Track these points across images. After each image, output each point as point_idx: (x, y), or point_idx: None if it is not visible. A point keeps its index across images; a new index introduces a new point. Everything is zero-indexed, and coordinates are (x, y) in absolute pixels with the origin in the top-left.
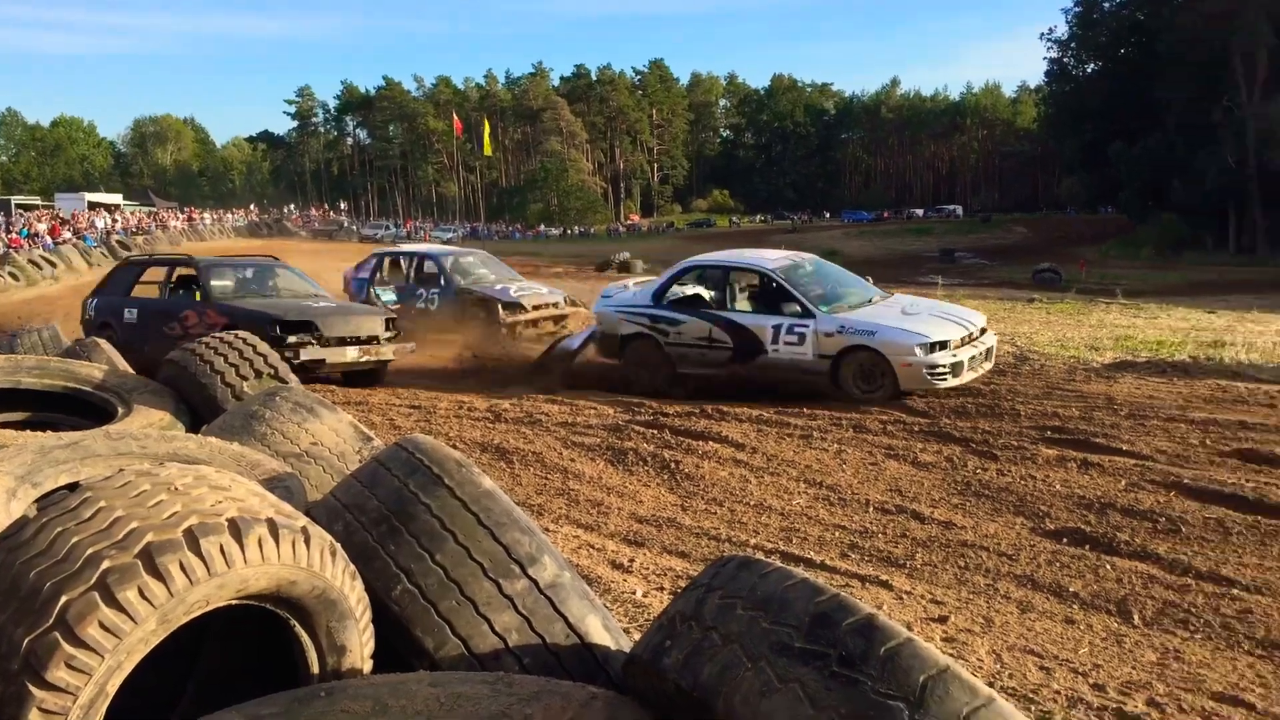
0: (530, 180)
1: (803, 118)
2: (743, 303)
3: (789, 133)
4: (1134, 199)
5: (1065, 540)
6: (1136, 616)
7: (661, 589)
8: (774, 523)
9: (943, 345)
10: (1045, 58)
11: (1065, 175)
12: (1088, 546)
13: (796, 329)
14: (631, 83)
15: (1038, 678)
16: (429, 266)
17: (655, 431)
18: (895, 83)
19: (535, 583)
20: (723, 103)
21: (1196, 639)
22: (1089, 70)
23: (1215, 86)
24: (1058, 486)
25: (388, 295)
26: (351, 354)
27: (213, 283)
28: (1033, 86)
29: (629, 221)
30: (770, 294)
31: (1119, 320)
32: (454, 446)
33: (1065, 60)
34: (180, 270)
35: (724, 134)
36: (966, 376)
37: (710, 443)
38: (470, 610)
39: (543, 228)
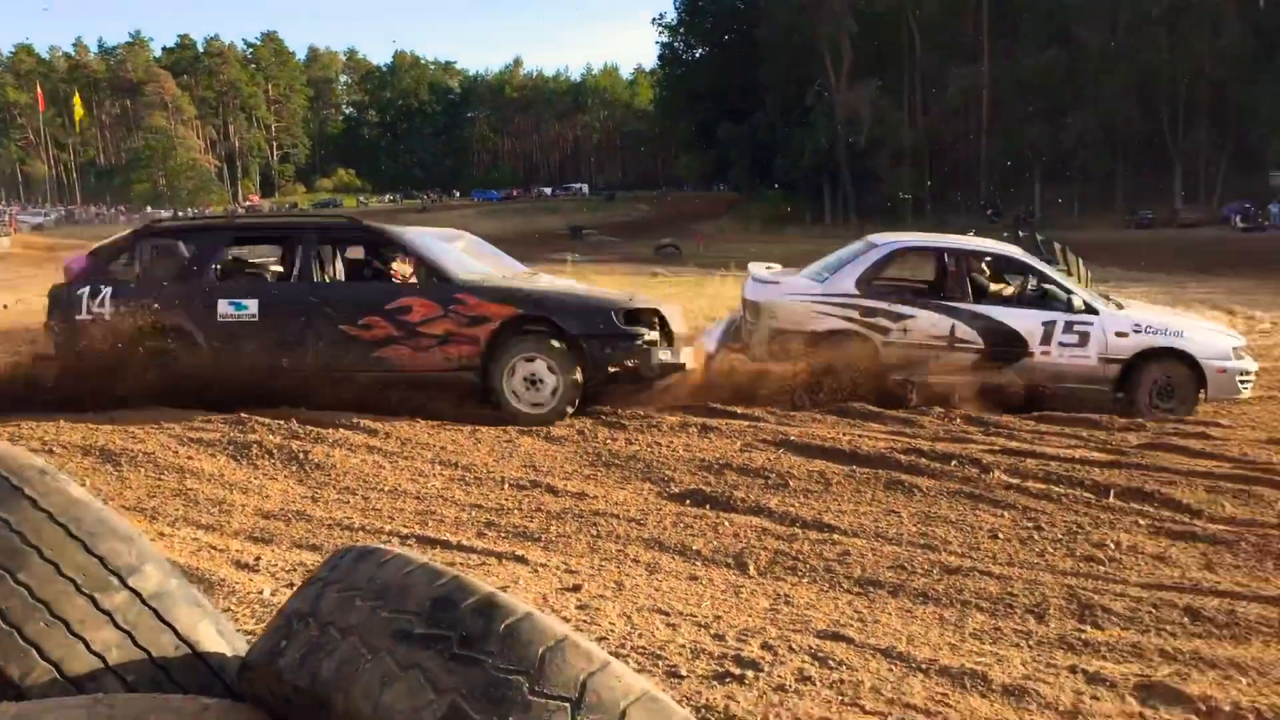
0: (134, 158)
1: (428, 96)
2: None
3: (414, 111)
4: (743, 176)
5: (688, 502)
6: (752, 567)
7: (291, 585)
8: (410, 507)
9: (1244, 349)
10: (658, 42)
11: (682, 154)
12: (708, 506)
13: (1077, 327)
14: (243, 56)
15: (665, 634)
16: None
17: (281, 422)
18: (518, 62)
19: (138, 594)
20: (344, 79)
21: (804, 583)
22: (698, 55)
23: (809, 72)
24: (681, 451)
25: None
26: (687, 355)
27: (445, 257)
28: (648, 69)
29: (248, 202)
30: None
31: (734, 290)
32: (48, 452)
33: (676, 45)
34: (334, 241)
35: (347, 111)
36: None
37: (341, 430)
38: (62, 630)
39: (149, 209)
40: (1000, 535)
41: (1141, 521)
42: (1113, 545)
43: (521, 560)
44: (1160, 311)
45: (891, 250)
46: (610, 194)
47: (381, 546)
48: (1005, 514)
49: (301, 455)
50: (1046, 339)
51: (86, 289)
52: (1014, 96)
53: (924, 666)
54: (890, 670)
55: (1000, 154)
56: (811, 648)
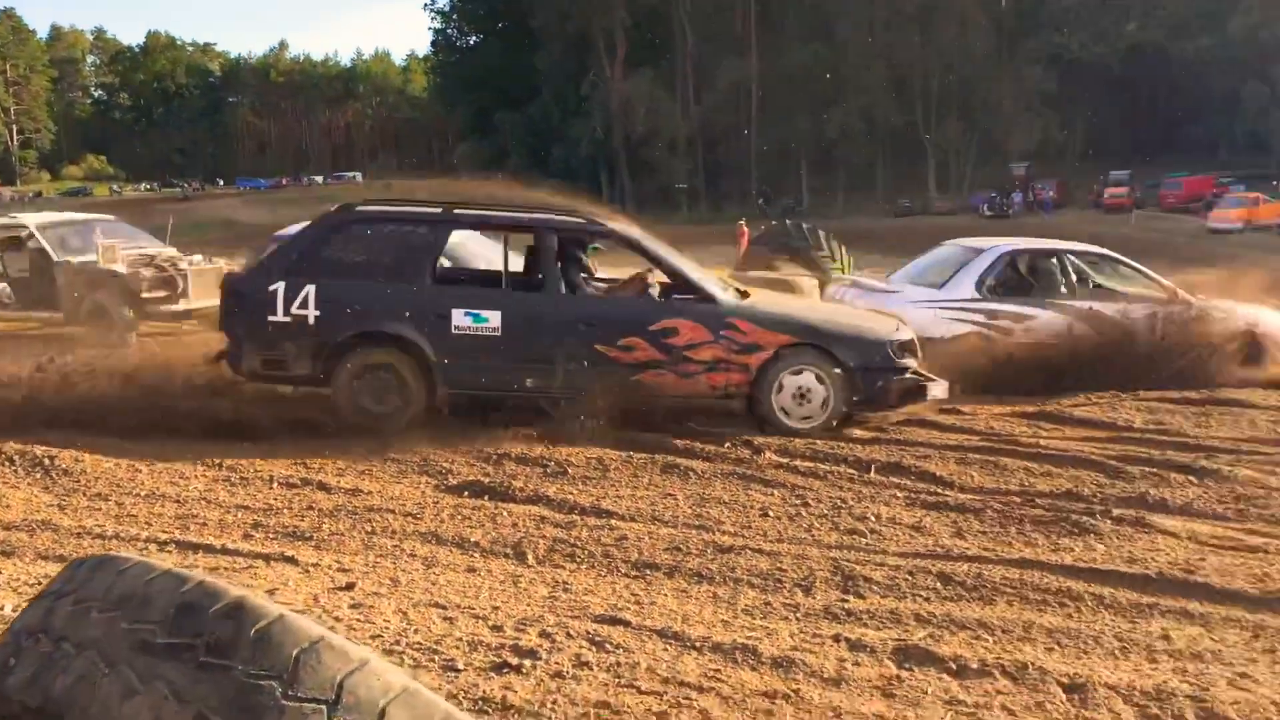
0: None
1: (185, 79)
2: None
3: (171, 94)
4: (522, 165)
5: (466, 494)
6: (530, 556)
7: None
8: (169, 511)
9: None
10: (431, 28)
11: (459, 142)
12: (487, 497)
13: (1175, 320)
14: None
15: (442, 628)
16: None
17: (22, 427)
18: (284, 46)
19: None
20: (91, 59)
21: (582, 569)
22: (472, 41)
23: (585, 61)
24: (459, 443)
25: None
26: (944, 389)
27: (705, 277)
28: (422, 56)
29: None
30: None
31: None
32: None
33: (449, 31)
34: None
35: (96, 94)
36: None
37: (91, 433)
38: None
39: None
40: (770, 513)
41: (899, 494)
42: (873, 518)
43: (291, 561)
44: (1232, 302)
45: (1002, 253)
46: (386, 182)
47: (121, 554)
48: (775, 492)
49: (47, 461)
50: (1150, 332)
51: (282, 284)
52: (781, 89)
53: (698, 644)
54: (666, 650)
55: (769, 145)
56: (589, 633)
